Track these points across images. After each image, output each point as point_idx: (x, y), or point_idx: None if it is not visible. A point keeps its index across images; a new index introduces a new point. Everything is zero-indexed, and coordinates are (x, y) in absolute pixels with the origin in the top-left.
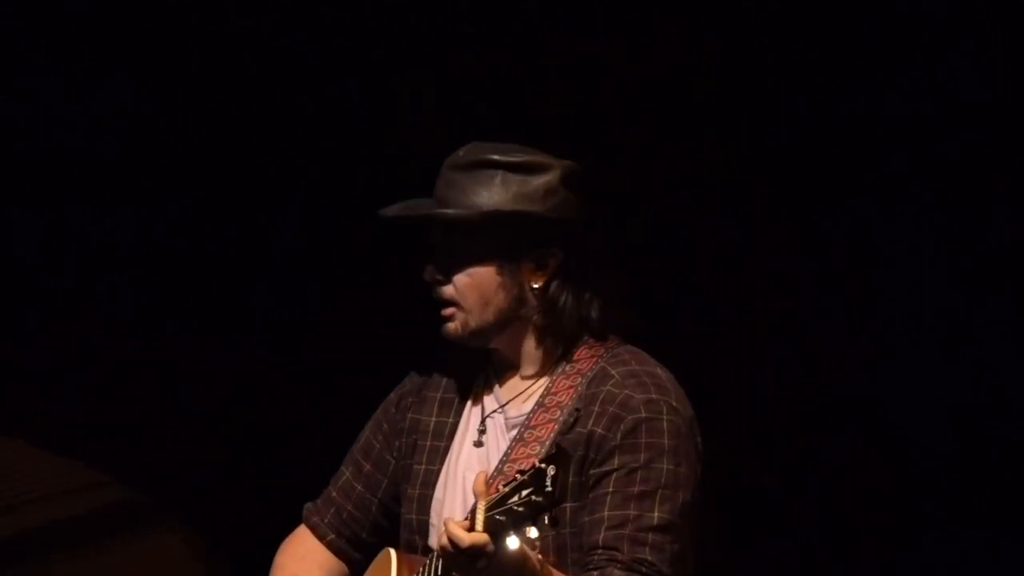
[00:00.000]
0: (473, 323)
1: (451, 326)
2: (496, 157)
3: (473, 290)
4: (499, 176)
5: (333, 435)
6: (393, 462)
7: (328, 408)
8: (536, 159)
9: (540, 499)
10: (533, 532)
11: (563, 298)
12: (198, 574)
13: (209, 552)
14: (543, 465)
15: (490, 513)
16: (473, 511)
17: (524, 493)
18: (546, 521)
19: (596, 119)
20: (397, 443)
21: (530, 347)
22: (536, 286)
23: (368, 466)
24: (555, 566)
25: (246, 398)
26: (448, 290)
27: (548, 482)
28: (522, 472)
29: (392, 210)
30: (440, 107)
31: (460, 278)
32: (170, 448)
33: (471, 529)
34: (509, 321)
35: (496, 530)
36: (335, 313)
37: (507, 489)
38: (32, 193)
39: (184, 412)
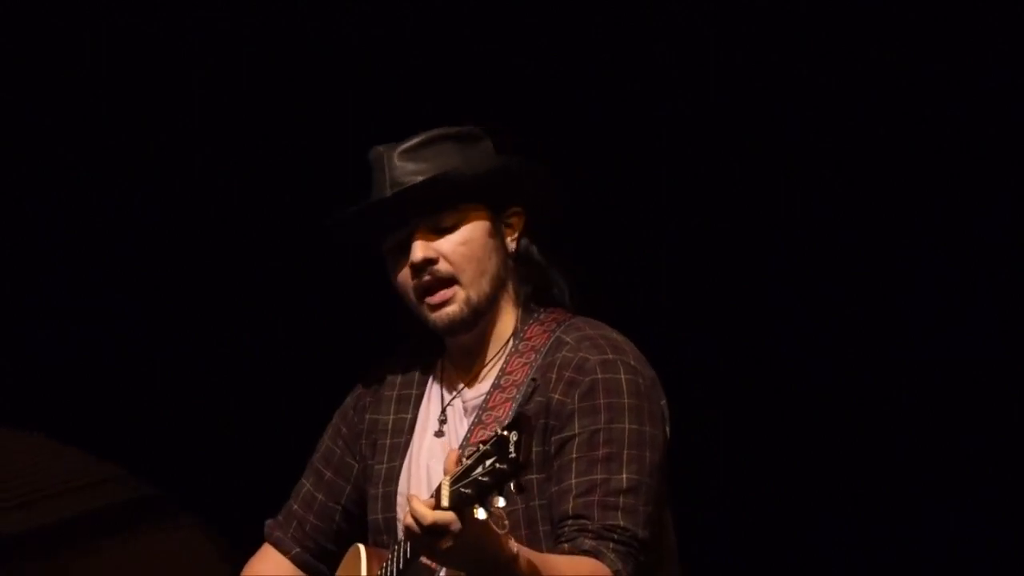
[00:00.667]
0: (475, 297)
1: (451, 309)
2: (441, 132)
3: (471, 260)
4: (451, 146)
5: None
6: (356, 466)
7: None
8: (472, 129)
9: (505, 467)
10: (501, 502)
11: (534, 253)
12: (220, 572)
13: (231, 549)
14: (505, 432)
15: (455, 487)
16: (438, 488)
17: (488, 463)
18: (512, 488)
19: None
20: (358, 446)
21: (498, 325)
22: (512, 247)
23: (329, 473)
24: (527, 540)
25: (265, 395)
26: (444, 267)
27: (511, 448)
28: (484, 442)
29: (352, 212)
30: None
31: (456, 249)
32: (191, 445)
33: (436, 507)
34: (498, 292)
35: (463, 504)
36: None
37: (470, 461)
38: (37, 191)
39: (204, 408)
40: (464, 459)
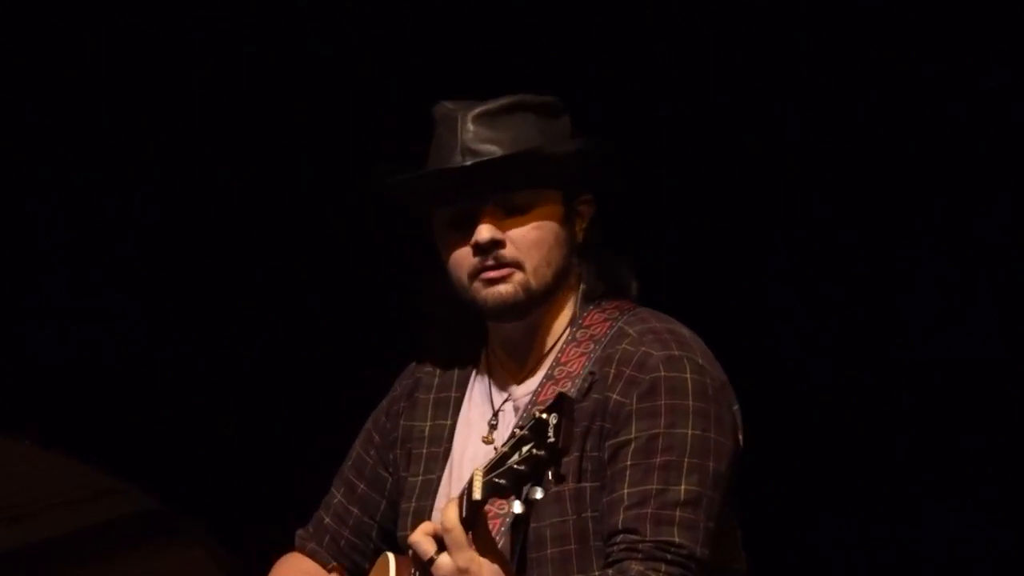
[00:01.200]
0: (535, 284)
1: (506, 288)
2: (521, 99)
3: (539, 247)
4: (531, 117)
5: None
6: (389, 478)
7: (352, 417)
8: (554, 100)
9: (542, 453)
10: (538, 493)
11: (602, 249)
12: None
13: (232, 564)
14: (544, 415)
15: (488, 477)
16: (471, 479)
17: (524, 449)
18: (550, 477)
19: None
20: (391, 456)
21: (555, 318)
22: (580, 237)
23: (362, 486)
24: (577, 556)
25: (266, 395)
26: (510, 251)
27: (550, 432)
28: (520, 427)
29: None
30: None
31: (526, 234)
32: (191, 445)
33: (468, 499)
34: (559, 284)
35: (496, 495)
36: (372, 320)
37: (506, 448)
38: (37, 191)
39: (204, 408)
40: (499, 446)
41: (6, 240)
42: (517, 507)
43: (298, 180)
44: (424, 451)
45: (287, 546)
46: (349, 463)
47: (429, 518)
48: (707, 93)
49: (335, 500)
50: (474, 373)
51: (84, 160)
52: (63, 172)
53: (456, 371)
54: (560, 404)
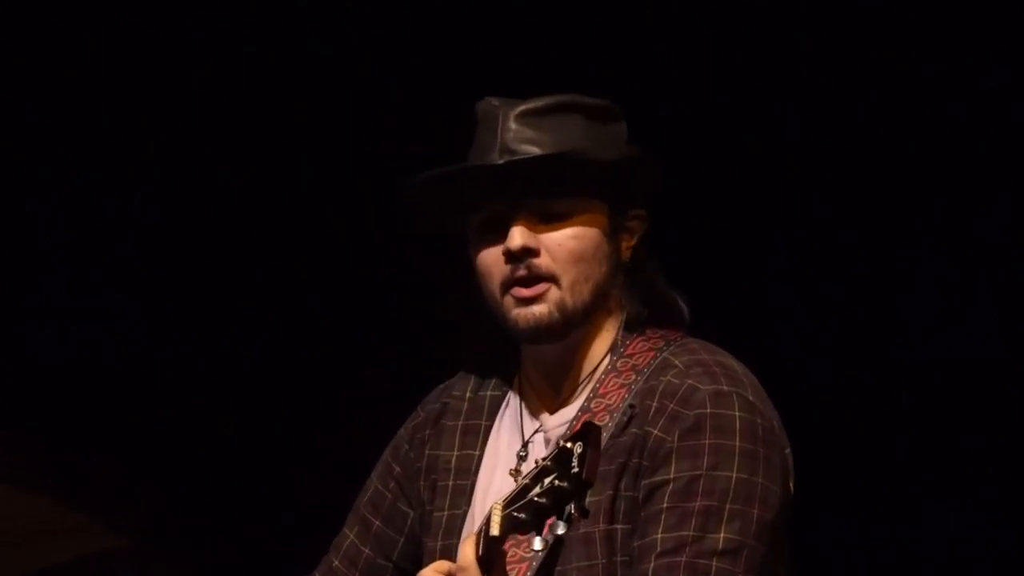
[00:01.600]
0: (570, 303)
1: (540, 308)
2: (570, 99)
3: (577, 260)
4: (579, 119)
5: (353, 470)
6: (411, 514)
7: (352, 417)
8: (608, 104)
9: (565, 484)
10: (560, 528)
11: (651, 271)
12: None
13: None
14: (568, 444)
15: (508, 511)
16: (489, 513)
17: (547, 481)
18: (573, 511)
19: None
20: (415, 488)
21: (593, 343)
22: (626, 256)
23: (378, 523)
24: None
25: (266, 395)
26: (545, 262)
27: (574, 462)
28: (544, 457)
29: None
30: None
31: (564, 244)
32: (191, 445)
33: (486, 535)
34: (598, 305)
35: (516, 531)
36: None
37: (527, 480)
38: (37, 191)
39: (204, 408)
40: (520, 478)
41: (6, 240)
42: (537, 543)
43: (298, 180)
44: (450, 483)
45: (285, 546)
46: (365, 498)
47: (454, 558)
48: (707, 93)
49: (347, 541)
50: (506, 401)
51: (84, 160)
52: (63, 172)
53: (487, 397)
54: (586, 432)
